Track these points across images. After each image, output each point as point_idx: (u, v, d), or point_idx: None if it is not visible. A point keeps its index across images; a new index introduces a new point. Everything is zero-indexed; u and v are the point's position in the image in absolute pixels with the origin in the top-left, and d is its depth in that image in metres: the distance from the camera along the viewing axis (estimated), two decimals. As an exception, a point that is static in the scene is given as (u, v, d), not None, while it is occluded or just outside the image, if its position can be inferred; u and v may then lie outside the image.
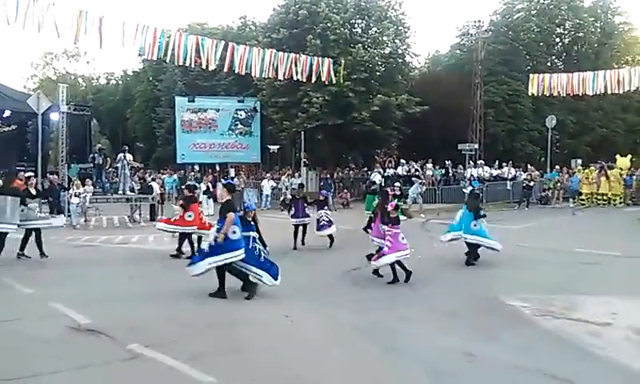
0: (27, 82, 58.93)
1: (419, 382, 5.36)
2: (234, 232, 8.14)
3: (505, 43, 35.51)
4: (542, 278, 9.86)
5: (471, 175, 25.78)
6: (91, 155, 22.46)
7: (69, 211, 17.51)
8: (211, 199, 17.15)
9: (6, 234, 10.93)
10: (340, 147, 31.04)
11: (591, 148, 36.52)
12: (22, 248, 11.41)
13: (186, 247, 12.02)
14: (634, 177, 24.03)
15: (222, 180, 13.22)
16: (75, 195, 17.55)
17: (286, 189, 24.98)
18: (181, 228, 11.93)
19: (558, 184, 25.59)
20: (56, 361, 5.68)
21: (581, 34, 38.62)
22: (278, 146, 31.52)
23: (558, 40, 40.03)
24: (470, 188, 14.15)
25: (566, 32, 39.61)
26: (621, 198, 23.74)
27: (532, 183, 24.35)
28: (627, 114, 38.23)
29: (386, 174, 26.68)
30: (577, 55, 38.78)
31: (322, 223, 13.42)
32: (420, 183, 20.82)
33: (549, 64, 37.56)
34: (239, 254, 8.15)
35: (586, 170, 25.31)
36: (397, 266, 9.41)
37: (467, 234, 11.15)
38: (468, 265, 11.02)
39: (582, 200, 24.29)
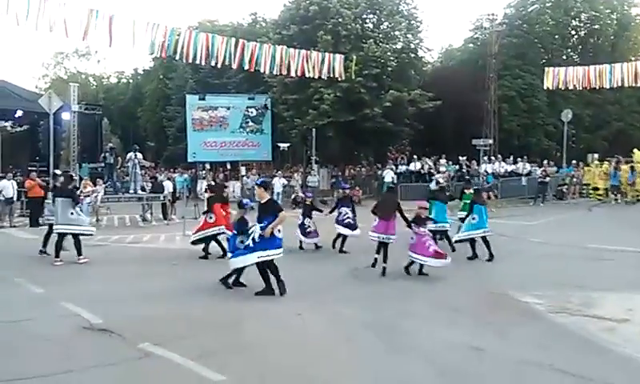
0: (38, 81, 59.60)
1: (428, 377, 5.27)
2: (279, 231, 8.25)
3: (519, 36, 35.13)
4: (557, 274, 9.72)
5: (485, 171, 25.55)
6: (102, 154, 22.54)
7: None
8: None
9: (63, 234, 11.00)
10: (351, 144, 30.93)
11: (608, 142, 36.04)
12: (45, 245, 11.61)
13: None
14: (636, 172, 23.18)
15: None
16: (85, 195, 17.55)
17: (301, 186, 24.93)
18: (209, 231, 11.60)
19: (574, 179, 25.22)
20: (67, 360, 5.67)
21: (596, 27, 38.01)
22: (288, 144, 31.42)
23: (573, 33, 39.45)
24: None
25: (582, 24, 39.02)
26: (638, 193, 23.33)
27: (547, 179, 24.05)
28: (645, 107, 37.63)
29: (398, 171, 26.51)
30: (592, 48, 38.19)
31: (308, 230, 12.68)
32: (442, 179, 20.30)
33: (564, 57, 37.07)
34: (280, 252, 8.27)
35: (604, 165, 24.93)
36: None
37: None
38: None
39: (599, 195, 23.95)
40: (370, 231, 10.50)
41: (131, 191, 19.21)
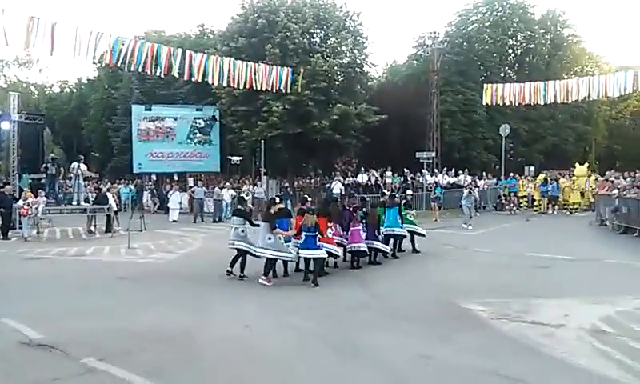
0: (-24, 90, 56.60)
1: (378, 386, 5.40)
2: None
3: (460, 54, 36.47)
4: (498, 282, 10.13)
5: (435, 182, 26.28)
6: (44, 165, 21.76)
7: (20, 223, 16.92)
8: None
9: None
10: (300, 156, 31.03)
11: (544, 155, 37.86)
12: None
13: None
14: (552, 185, 25.10)
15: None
16: (27, 205, 16.89)
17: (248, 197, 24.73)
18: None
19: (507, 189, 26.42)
20: (5, 377, 5.49)
21: (532, 46, 40.09)
22: (240, 157, 31.22)
23: (510, 51, 41.37)
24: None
25: (518, 43, 40.99)
26: (579, 206, 24.62)
27: (476, 188, 24.73)
28: (577, 123, 39.92)
29: (346, 183, 26.85)
30: (528, 66, 40.21)
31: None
32: (469, 192, 20.41)
33: (502, 74, 38.81)
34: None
35: (539, 177, 26.24)
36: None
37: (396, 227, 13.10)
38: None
39: (536, 207, 25.15)
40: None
41: (74, 203, 18.59)
